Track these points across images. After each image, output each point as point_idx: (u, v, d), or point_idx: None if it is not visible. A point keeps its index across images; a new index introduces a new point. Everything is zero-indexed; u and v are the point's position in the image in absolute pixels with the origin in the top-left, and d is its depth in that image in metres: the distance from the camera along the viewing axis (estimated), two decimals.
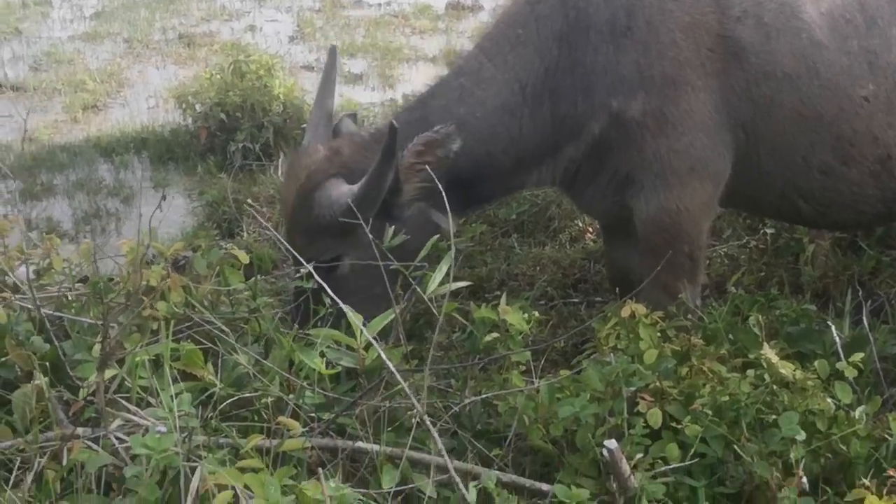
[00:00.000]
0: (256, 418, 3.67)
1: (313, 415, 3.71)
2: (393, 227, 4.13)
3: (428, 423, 3.18)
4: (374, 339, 3.74)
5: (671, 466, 3.54)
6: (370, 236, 4.15)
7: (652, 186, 4.87)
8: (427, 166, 4.53)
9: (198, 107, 9.73)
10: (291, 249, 4.60)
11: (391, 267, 4.00)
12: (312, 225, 4.72)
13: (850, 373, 4.00)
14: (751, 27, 4.85)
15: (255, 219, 7.61)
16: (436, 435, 3.14)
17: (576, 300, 6.51)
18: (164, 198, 4.29)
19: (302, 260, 4.16)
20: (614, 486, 3.42)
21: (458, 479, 3.14)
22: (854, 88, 4.90)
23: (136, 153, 9.96)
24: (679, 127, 4.79)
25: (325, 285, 3.96)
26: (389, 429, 3.58)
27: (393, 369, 3.38)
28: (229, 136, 9.32)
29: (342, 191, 4.66)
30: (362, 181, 4.59)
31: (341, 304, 3.74)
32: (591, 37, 4.83)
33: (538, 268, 6.91)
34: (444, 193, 4.09)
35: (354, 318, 3.76)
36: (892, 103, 4.93)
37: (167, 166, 9.66)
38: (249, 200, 7.72)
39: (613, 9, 4.83)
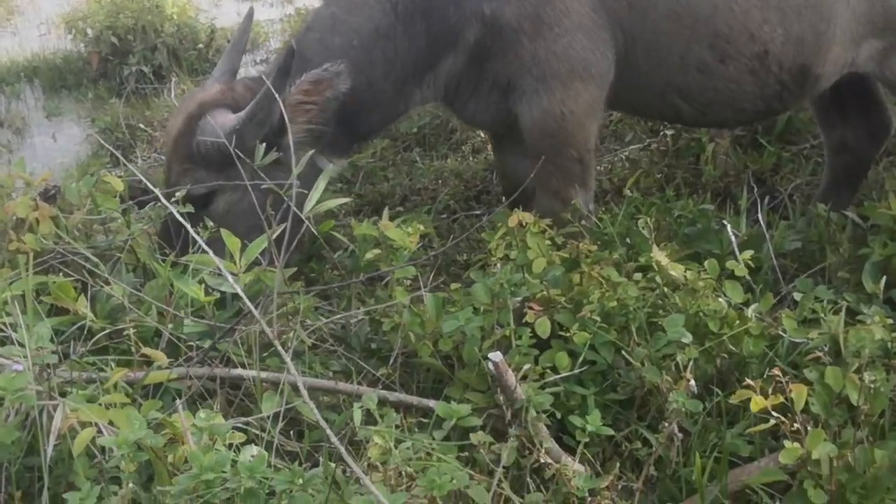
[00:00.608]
0: (134, 352, 3.53)
1: (192, 344, 3.58)
2: (264, 145, 3.96)
3: (277, 344, 3.05)
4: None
5: (561, 376, 3.47)
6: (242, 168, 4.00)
7: (533, 91, 4.76)
8: (314, 106, 4.39)
9: (89, 31, 9.46)
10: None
11: (262, 187, 3.84)
12: (192, 152, 4.53)
13: (741, 271, 3.94)
14: None
15: (149, 144, 7.41)
16: (287, 358, 3.02)
17: (478, 212, 6.41)
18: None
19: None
20: (501, 398, 3.34)
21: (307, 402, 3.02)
22: None
23: (28, 82, 9.68)
24: (556, 28, 4.67)
25: (184, 221, 3.78)
26: (266, 353, 3.46)
27: (246, 299, 3.25)
28: (122, 60, 9.09)
29: (228, 118, 4.50)
30: (250, 104, 4.43)
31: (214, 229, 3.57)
32: None
33: (440, 181, 6.82)
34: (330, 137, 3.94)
35: (231, 241, 3.61)
36: None
37: (60, 94, 9.41)
38: (142, 125, 7.51)
39: None
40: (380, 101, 4.85)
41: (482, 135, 7.26)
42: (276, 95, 4.30)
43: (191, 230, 3.71)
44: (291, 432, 3.37)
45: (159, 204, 4.29)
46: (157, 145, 7.12)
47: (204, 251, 3.59)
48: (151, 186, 3.72)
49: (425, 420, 3.43)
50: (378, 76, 4.77)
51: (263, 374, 3.33)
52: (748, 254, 4.02)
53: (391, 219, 4.32)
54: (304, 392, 2.87)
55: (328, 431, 2.68)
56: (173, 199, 3.92)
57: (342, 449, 2.74)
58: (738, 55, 4.94)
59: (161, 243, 4.15)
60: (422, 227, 4.10)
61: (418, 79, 4.89)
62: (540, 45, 4.71)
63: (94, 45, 9.26)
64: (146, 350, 3.16)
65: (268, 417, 3.20)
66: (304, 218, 3.62)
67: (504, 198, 5.71)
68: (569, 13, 4.71)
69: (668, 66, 4.98)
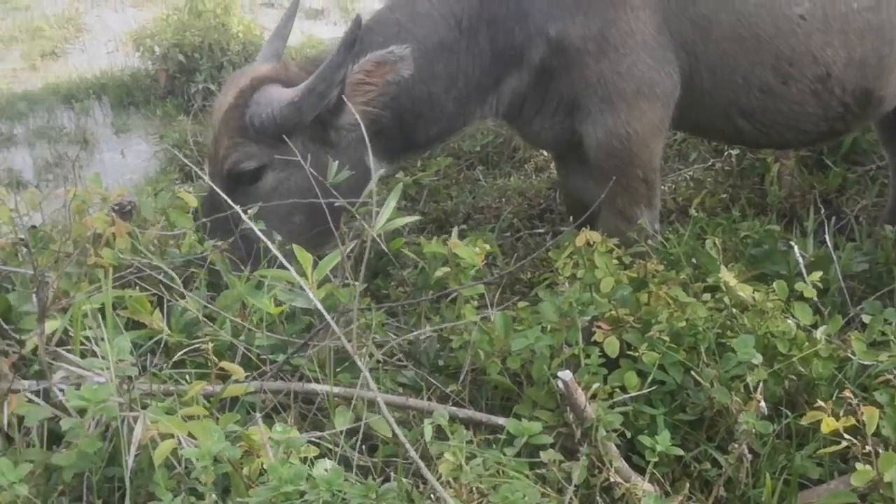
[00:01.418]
0: (209, 365, 3.59)
1: (266, 357, 3.64)
2: (337, 162, 4.02)
3: (358, 360, 3.09)
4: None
5: (630, 395, 3.48)
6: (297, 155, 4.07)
7: (598, 111, 4.79)
8: (373, 87, 4.44)
9: (156, 49, 9.62)
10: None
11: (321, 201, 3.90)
12: (244, 125, 4.56)
13: (810, 293, 3.93)
14: None
15: None
16: (366, 371, 3.06)
17: (541, 230, 6.45)
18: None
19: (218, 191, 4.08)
20: (571, 417, 3.36)
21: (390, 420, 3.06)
22: (790, 7, 4.83)
23: (97, 99, 9.84)
24: (621, 48, 4.70)
25: (227, 198, 3.86)
26: (339, 369, 3.51)
27: (323, 311, 3.30)
28: (189, 78, 9.23)
29: (285, 91, 4.55)
30: (312, 76, 4.47)
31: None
32: None
33: (503, 199, 6.86)
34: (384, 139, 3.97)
35: (303, 256, 3.67)
36: (829, 21, 4.86)
37: (128, 111, 9.55)
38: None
39: None
40: (439, 114, 4.89)
41: (545, 153, 7.29)
42: (346, 57, 4.34)
43: (238, 208, 3.77)
44: (364, 447, 3.41)
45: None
46: None
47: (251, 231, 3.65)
48: (230, 201, 3.79)
49: (493, 437, 3.47)
50: (440, 90, 4.81)
51: (337, 389, 3.37)
52: (817, 275, 4.00)
53: (428, 239, 4.36)
54: (384, 407, 2.92)
55: (407, 446, 2.72)
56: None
57: (421, 464, 2.78)
58: (800, 77, 4.94)
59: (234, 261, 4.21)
60: (488, 246, 4.13)
61: (481, 97, 4.93)
62: (605, 65, 4.74)
63: (162, 63, 9.41)
64: (225, 364, 3.22)
65: (341, 432, 3.24)
66: (375, 236, 3.65)
67: (569, 216, 5.73)
68: (633, 33, 4.73)
69: (732, 86, 4.99)
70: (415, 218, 4.05)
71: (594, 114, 4.82)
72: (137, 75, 9.94)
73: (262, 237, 3.69)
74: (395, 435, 3.12)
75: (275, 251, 3.55)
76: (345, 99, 4.41)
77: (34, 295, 3.43)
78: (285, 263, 3.49)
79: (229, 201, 3.83)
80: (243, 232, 4.22)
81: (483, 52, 4.79)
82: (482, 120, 5.23)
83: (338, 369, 3.59)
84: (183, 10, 9.49)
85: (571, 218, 5.65)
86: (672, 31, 4.80)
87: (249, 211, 3.95)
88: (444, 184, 7.16)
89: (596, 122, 4.82)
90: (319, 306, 3.17)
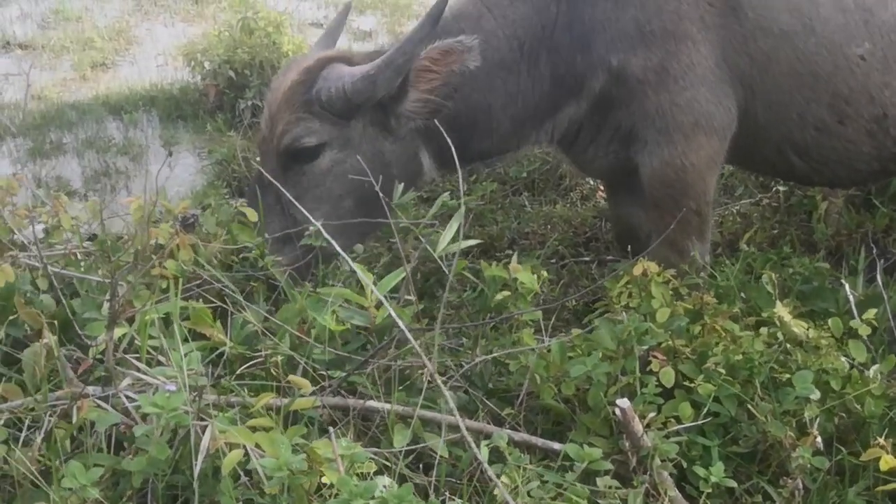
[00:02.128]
0: (267, 377, 3.65)
1: (323, 373, 3.69)
2: (402, 185, 4.07)
3: (440, 381, 3.14)
4: (385, 297, 3.72)
5: (684, 426, 3.51)
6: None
7: (655, 142, 4.84)
8: (438, 76, 4.48)
9: (206, 64, 9.69)
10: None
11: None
12: (310, 100, 4.58)
13: (864, 331, 3.96)
14: None
15: None
16: (448, 394, 3.12)
17: (587, 259, 6.48)
18: (170, 154, 4.26)
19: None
20: (626, 445, 3.39)
21: (469, 439, 3.10)
22: (850, 46, 4.87)
23: (145, 111, 9.91)
24: (681, 81, 4.75)
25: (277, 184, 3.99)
26: (400, 388, 3.55)
27: (404, 328, 3.35)
28: (238, 94, 9.28)
29: (357, 67, 4.58)
30: (391, 49, 4.52)
31: (340, 251, 3.67)
32: None
33: (549, 226, 6.89)
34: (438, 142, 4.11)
35: (364, 275, 3.72)
36: (889, 62, 4.90)
37: (176, 124, 9.62)
38: (258, 159, 7.67)
39: None
40: (494, 129, 4.93)
41: (591, 182, 7.33)
42: (431, 29, 4.40)
43: (286, 192, 3.84)
44: (420, 465, 3.45)
45: None
46: (273, 179, 7.26)
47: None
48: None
49: (546, 462, 3.50)
50: (497, 105, 4.86)
51: (399, 408, 3.42)
52: (872, 313, 4.02)
53: (500, 262, 4.40)
54: (464, 429, 2.97)
55: (485, 465, 2.77)
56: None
57: (499, 483, 2.82)
58: (856, 116, 4.97)
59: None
60: (546, 273, 4.18)
61: (538, 122, 4.96)
62: (664, 97, 4.78)
63: (212, 78, 9.48)
64: (292, 378, 3.27)
65: (401, 452, 3.29)
66: (437, 258, 3.70)
67: (616, 245, 5.77)
68: (694, 67, 4.78)
69: (786, 122, 5.02)
70: (475, 241, 4.09)
71: (651, 144, 4.86)
72: (186, 89, 10.01)
73: (309, 217, 3.84)
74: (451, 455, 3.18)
75: (321, 230, 3.64)
76: (409, 85, 4.47)
77: (106, 302, 3.50)
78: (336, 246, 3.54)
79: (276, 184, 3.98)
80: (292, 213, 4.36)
81: (543, 77, 4.84)
82: (535, 145, 5.26)
83: (400, 388, 3.62)
84: (235, 27, 9.57)
85: (619, 247, 5.70)
86: (730, 65, 4.84)
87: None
88: (490, 208, 7.19)
89: (652, 153, 4.87)
90: (403, 326, 3.21)
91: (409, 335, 3.23)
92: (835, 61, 4.88)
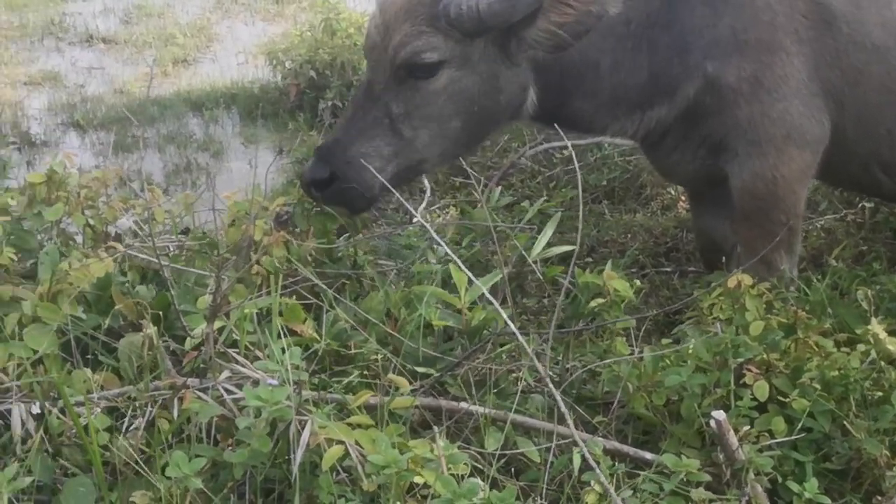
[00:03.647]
0: (358, 374, 3.67)
1: (415, 370, 3.70)
2: (500, 189, 4.09)
3: (552, 387, 3.15)
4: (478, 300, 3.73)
5: (777, 440, 3.49)
6: None
7: (746, 154, 4.79)
8: (572, 12, 4.32)
9: (288, 64, 9.78)
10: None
11: None
12: (435, 14, 4.41)
13: None
14: None
15: None
16: (559, 398, 3.12)
17: (668, 269, 6.42)
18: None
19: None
20: (721, 457, 3.38)
21: (583, 446, 3.11)
22: None
23: (226, 108, 10.02)
24: (774, 93, 4.70)
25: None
26: (494, 390, 3.57)
27: (519, 336, 3.36)
28: (319, 94, 9.34)
29: None
30: None
31: (446, 250, 3.69)
32: None
33: (629, 235, 6.83)
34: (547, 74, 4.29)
35: (458, 276, 3.74)
36: None
37: (256, 122, 9.70)
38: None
39: None
40: (595, 93, 4.83)
41: (673, 192, 7.28)
42: None
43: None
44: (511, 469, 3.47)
45: None
46: None
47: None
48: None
49: (634, 471, 3.50)
50: (605, 66, 4.76)
51: (491, 411, 3.43)
52: None
53: (581, 269, 4.37)
54: (576, 434, 2.97)
55: (597, 472, 2.76)
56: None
57: (608, 485, 2.80)
58: None
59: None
60: (638, 283, 4.17)
61: (629, 109, 4.87)
62: (756, 108, 4.74)
63: (293, 78, 9.56)
64: (392, 377, 3.30)
65: (494, 455, 3.30)
66: (531, 262, 3.71)
67: (699, 256, 5.72)
68: (787, 79, 4.74)
69: (875, 138, 4.97)
70: (571, 247, 4.08)
71: (741, 155, 4.82)
72: (267, 88, 10.11)
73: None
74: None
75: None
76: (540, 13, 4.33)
77: (207, 296, 3.55)
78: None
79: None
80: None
81: (641, 67, 4.76)
82: (619, 135, 5.15)
83: (483, 390, 3.64)
84: (317, 28, 9.65)
85: (703, 259, 5.66)
86: (822, 79, 4.79)
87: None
88: (569, 215, 7.16)
89: (742, 164, 4.83)
90: (512, 326, 3.23)
91: (522, 340, 3.23)
92: None
